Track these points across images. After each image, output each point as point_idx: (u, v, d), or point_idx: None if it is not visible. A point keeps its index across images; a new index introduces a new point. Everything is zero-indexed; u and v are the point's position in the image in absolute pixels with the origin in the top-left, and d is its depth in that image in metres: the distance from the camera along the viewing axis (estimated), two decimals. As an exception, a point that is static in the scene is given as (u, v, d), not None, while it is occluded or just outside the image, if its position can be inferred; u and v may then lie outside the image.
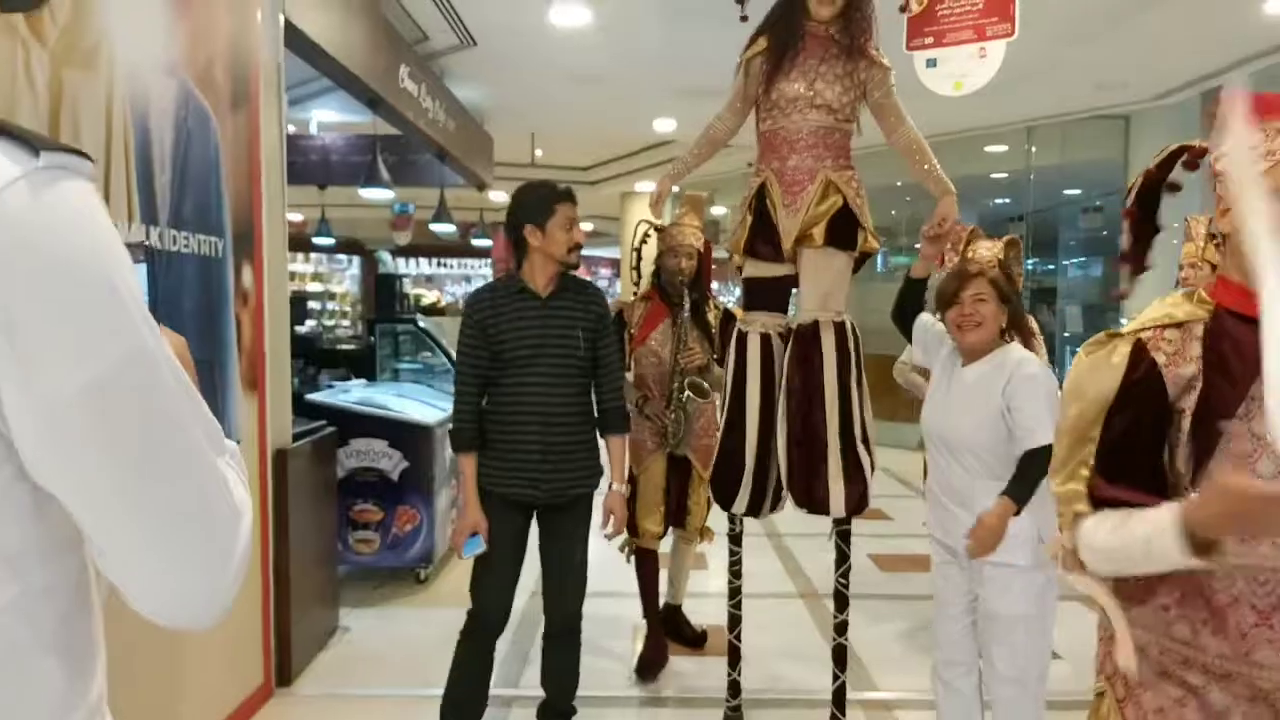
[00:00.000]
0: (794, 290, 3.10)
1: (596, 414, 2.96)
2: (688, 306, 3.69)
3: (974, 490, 2.54)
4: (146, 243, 2.59)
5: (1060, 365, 11.53)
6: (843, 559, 3.04)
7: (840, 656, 3.07)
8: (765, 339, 2.99)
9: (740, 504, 3.04)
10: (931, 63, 4.24)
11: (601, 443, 2.96)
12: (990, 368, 2.58)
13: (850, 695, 3.27)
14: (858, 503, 2.91)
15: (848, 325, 2.97)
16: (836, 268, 2.95)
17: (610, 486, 2.97)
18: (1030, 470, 2.39)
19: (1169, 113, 7.91)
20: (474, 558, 2.84)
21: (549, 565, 2.94)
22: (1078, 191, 10.93)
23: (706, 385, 3.70)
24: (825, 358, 2.90)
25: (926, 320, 2.86)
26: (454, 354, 5.83)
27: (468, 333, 2.84)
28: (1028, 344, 3.40)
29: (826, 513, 2.92)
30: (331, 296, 16.68)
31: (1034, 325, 3.62)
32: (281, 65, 3.66)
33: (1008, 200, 13.21)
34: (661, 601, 3.94)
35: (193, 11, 2.90)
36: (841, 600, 3.06)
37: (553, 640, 2.98)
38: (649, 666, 3.76)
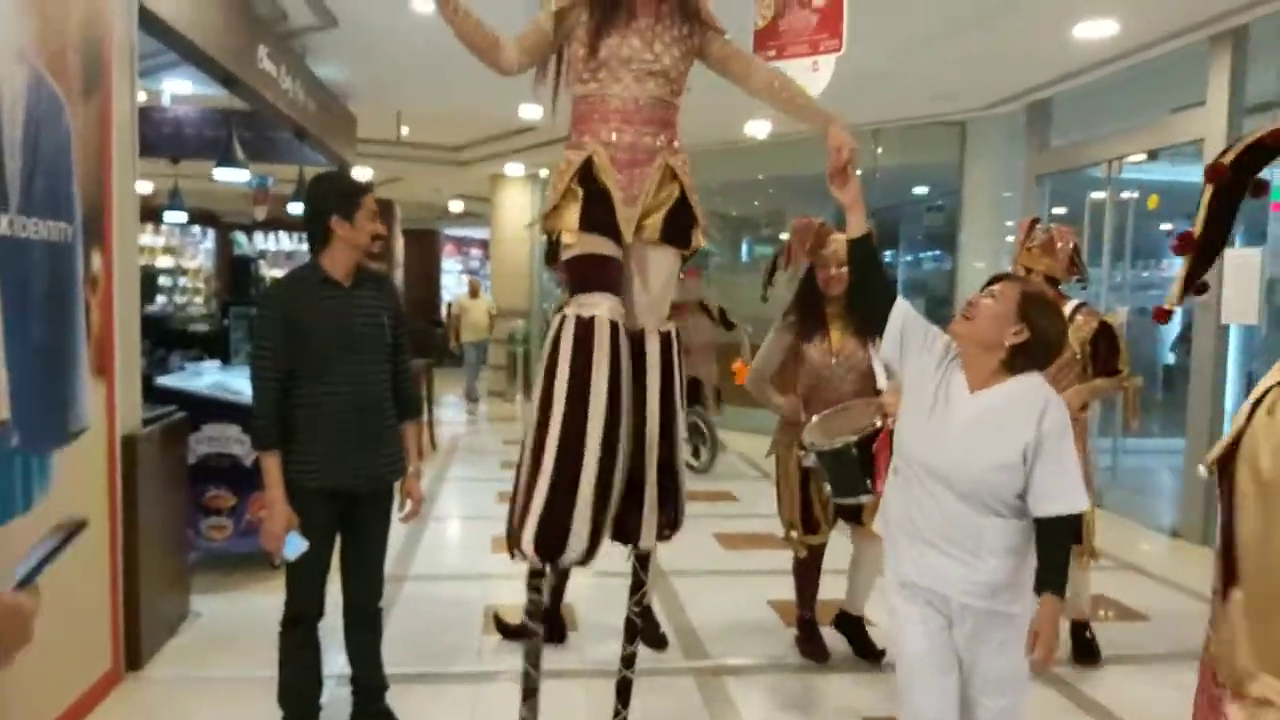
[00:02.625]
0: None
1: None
2: None
3: (982, 532, 2.16)
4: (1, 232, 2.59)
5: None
6: (638, 586, 2.77)
7: (624, 690, 2.85)
8: (614, 329, 2.51)
9: (575, 549, 2.47)
10: (816, 66, 4.52)
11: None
12: (1006, 401, 2.17)
13: (686, 664, 3.53)
14: (669, 529, 2.68)
15: (674, 335, 2.68)
16: (668, 267, 2.66)
17: (408, 470, 3.05)
18: (1061, 550, 2.12)
19: (999, 121, 8.57)
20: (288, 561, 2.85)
21: (354, 560, 3.02)
22: (924, 190, 11.61)
23: None
24: (649, 373, 2.59)
25: (907, 309, 2.37)
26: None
27: (268, 325, 2.81)
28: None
29: (635, 543, 2.63)
30: (184, 272, 15.97)
31: None
32: (135, 48, 3.63)
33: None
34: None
35: (46, 1, 2.88)
36: (631, 630, 2.82)
37: (356, 628, 3.07)
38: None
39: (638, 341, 2.59)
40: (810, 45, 4.31)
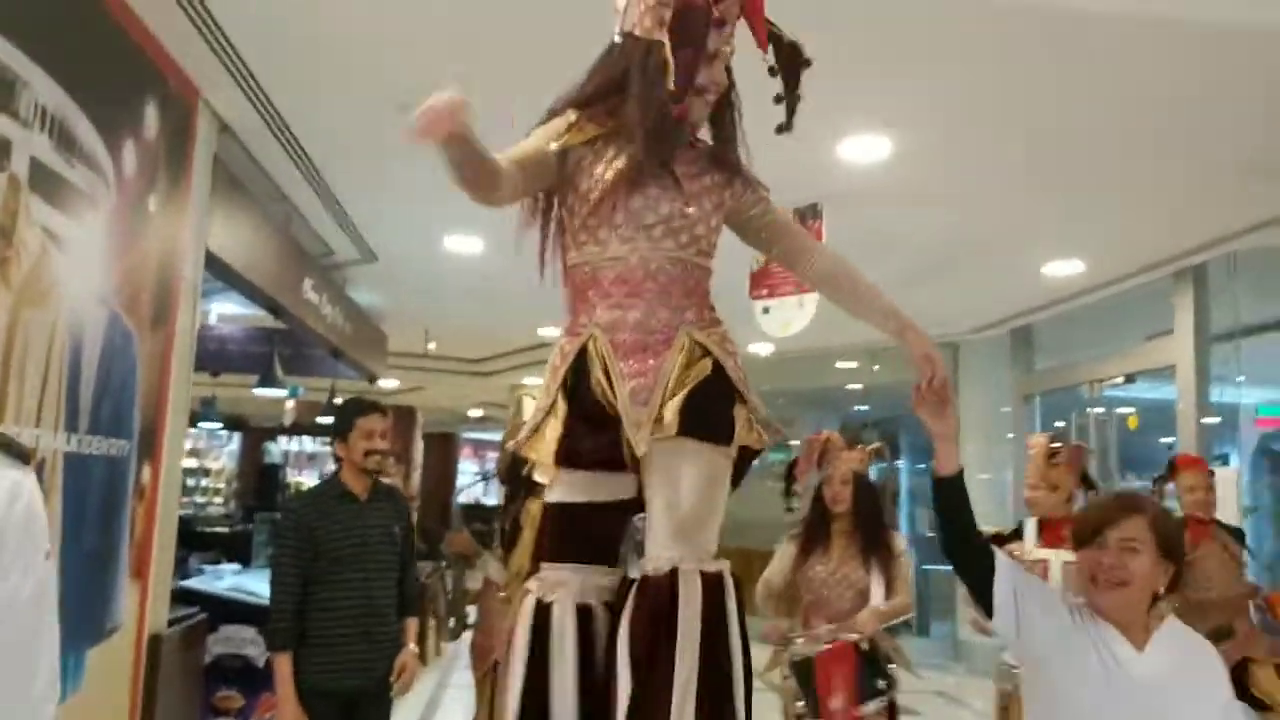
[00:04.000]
0: (638, 523, 1.96)
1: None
2: None
3: None
4: (66, 449, 2.98)
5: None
6: None
7: None
8: (585, 616, 1.86)
9: None
10: (766, 310, 5.04)
11: None
12: (1182, 657, 1.91)
13: None
14: None
15: (726, 577, 1.83)
16: (705, 472, 1.85)
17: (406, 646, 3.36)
18: None
19: (987, 344, 9.10)
20: None
21: None
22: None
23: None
24: (683, 635, 1.72)
25: (1012, 569, 1.97)
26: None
27: (289, 533, 3.19)
28: (888, 569, 3.67)
29: None
30: (206, 473, 16.39)
31: (898, 545, 3.79)
32: (198, 287, 4.16)
33: (866, 407, 14.45)
34: None
35: (130, 251, 3.41)
36: None
37: None
38: None
39: (667, 593, 1.75)
40: (796, 285, 4.84)
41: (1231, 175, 4.66)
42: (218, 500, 15.44)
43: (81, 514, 3.11)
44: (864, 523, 3.76)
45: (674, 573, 1.77)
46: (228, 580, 5.59)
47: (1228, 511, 5.79)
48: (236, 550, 7.36)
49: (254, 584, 5.42)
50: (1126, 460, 8.64)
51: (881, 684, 3.48)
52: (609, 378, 1.87)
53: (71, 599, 3.03)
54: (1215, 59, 3.59)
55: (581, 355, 1.92)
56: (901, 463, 14.00)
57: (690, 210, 1.94)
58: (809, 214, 4.78)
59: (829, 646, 3.47)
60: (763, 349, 10.03)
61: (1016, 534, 3.84)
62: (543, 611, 1.87)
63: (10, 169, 2.57)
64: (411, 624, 3.44)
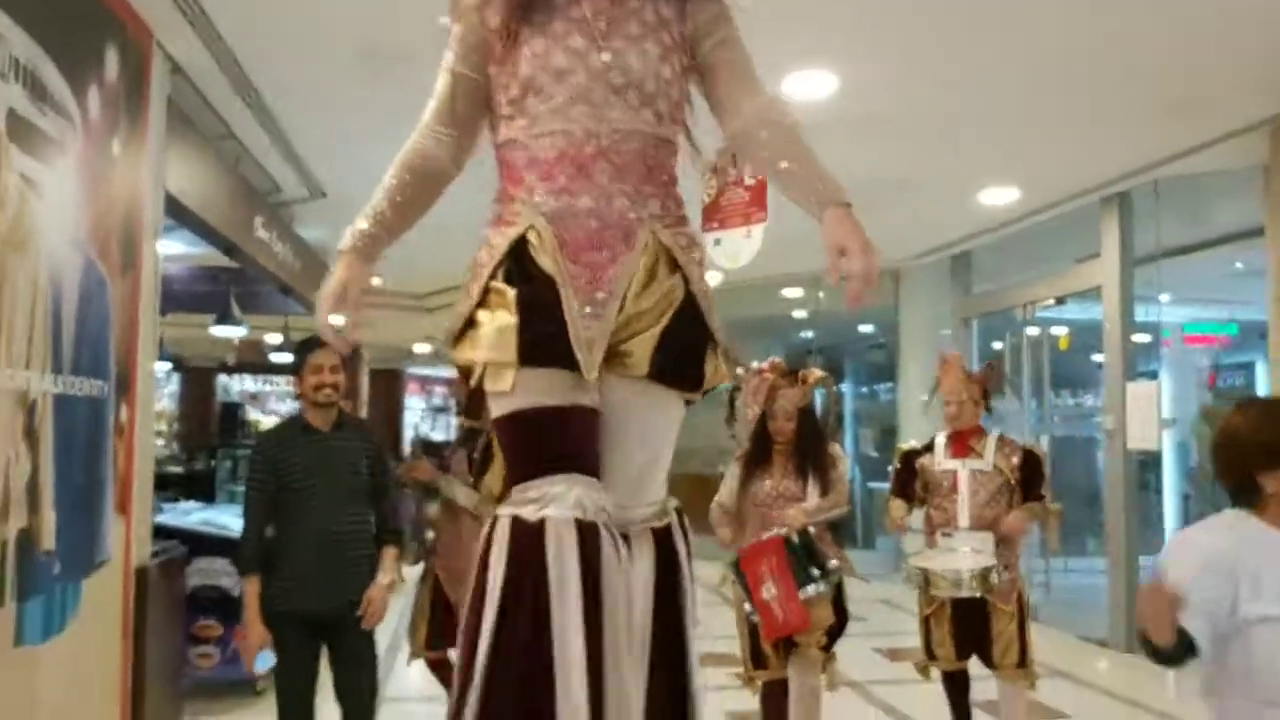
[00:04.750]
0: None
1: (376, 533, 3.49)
2: None
3: None
4: (55, 391, 3.08)
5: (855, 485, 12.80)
6: None
7: None
8: (588, 537, 1.53)
9: None
10: (717, 242, 5.21)
11: None
12: None
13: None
14: None
15: (676, 527, 1.72)
16: (668, 422, 1.72)
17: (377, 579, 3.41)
18: None
19: (928, 270, 9.41)
20: (274, 684, 3.31)
21: (340, 684, 3.42)
22: (871, 328, 12.42)
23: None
24: (635, 595, 1.60)
25: (1199, 623, 1.85)
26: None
27: (257, 466, 3.39)
28: (825, 477, 3.79)
29: None
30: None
31: (836, 452, 3.95)
32: (160, 228, 4.20)
33: (810, 334, 14.80)
34: None
35: (98, 196, 3.46)
36: None
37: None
38: None
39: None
40: (744, 217, 5.01)
41: (1154, 110, 4.97)
42: (159, 443, 15.25)
43: (70, 453, 3.22)
44: (805, 447, 3.87)
45: (626, 530, 1.61)
46: (196, 515, 5.71)
47: (1149, 425, 6.22)
48: (191, 489, 7.45)
49: (223, 518, 5.56)
50: (1059, 378, 9.11)
51: (816, 572, 3.55)
52: (561, 279, 1.58)
53: (65, 533, 3.18)
54: (1139, 4, 3.88)
55: (520, 244, 1.62)
56: (846, 387, 14.44)
57: (605, 57, 1.59)
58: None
59: (751, 542, 3.66)
60: (711, 279, 10.24)
61: (927, 447, 4.11)
62: (528, 533, 1.50)
63: (-12, 119, 2.62)
64: (390, 553, 3.52)
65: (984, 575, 3.71)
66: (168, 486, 7.57)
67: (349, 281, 1.71)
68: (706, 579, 7.68)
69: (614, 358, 1.60)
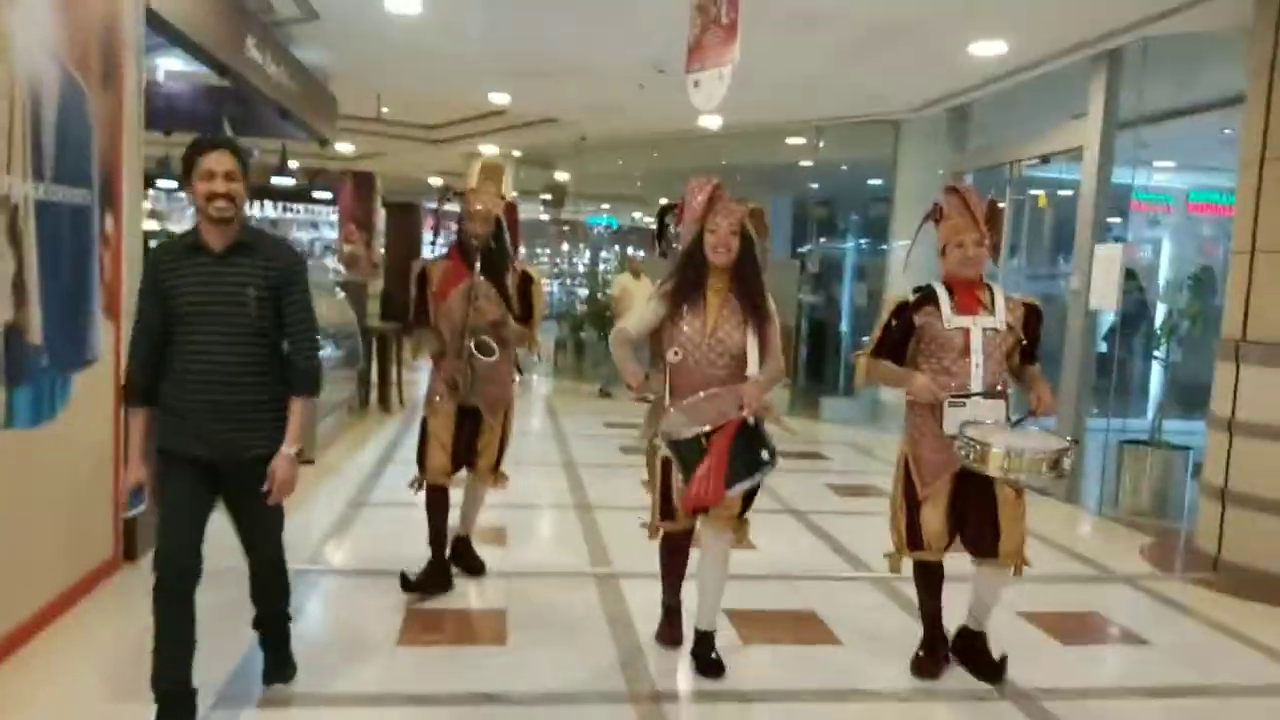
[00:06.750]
0: None
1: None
2: (478, 268, 3.88)
3: None
4: (37, 196, 3.34)
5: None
6: None
7: None
8: None
9: None
10: (696, 84, 5.30)
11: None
12: None
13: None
14: None
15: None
16: None
17: (283, 448, 2.86)
18: None
19: (926, 123, 9.39)
20: (160, 516, 2.84)
21: (240, 534, 3.01)
22: (880, 182, 12.44)
23: (493, 343, 3.91)
24: None
25: None
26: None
27: (144, 288, 2.84)
28: (764, 331, 3.31)
29: None
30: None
31: (772, 306, 3.37)
32: (143, 43, 4.35)
33: (816, 185, 14.77)
34: (452, 535, 4.25)
35: (74, 9, 3.62)
36: None
37: (255, 576, 3.10)
38: (423, 585, 4.08)
39: None
40: (718, 56, 5.09)
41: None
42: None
43: (56, 255, 3.51)
44: (745, 281, 3.37)
45: None
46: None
47: (1111, 287, 6.39)
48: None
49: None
50: (1046, 244, 9.21)
51: (765, 455, 3.11)
52: None
53: (53, 329, 3.51)
54: None
55: None
56: (849, 242, 14.54)
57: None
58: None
59: (716, 427, 3.07)
60: (712, 122, 10.23)
61: (924, 299, 3.44)
62: None
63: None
64: (295, 406, 2.89)
65: (1058, 458, 3.11)
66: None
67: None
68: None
69: None
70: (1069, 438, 3.36)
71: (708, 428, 3.05)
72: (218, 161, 2.73)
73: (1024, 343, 3.45)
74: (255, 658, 3.29)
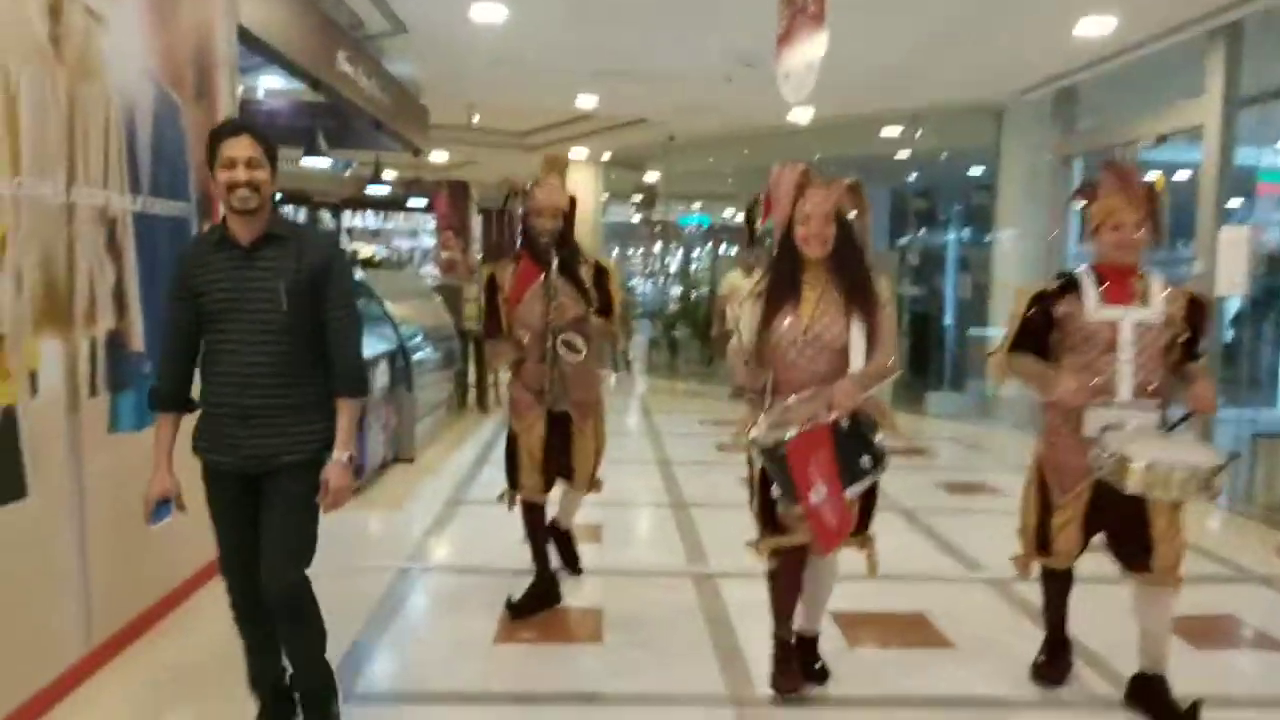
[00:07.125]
0: None
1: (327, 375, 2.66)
2: (555, 264, 3.65)
3: None
4: (134, 209, 3.43)
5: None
6: None
7: None
8: None
9: None
10: (786, 76, 5.16)
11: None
12: None
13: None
14: None
15: None
16: None
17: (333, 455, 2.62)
18: None
19: (1031, 106, 8.98)
20: (215, 534, 2.70)
21: (261, 533, 2.64)
22: (981, 171, 12.04)
23: (580, 340, 3.69)
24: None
25: None
26: (387, 304, 6.68)
27: (173, 286, 2.63)
28: (872, 319, 2.96)
29: None
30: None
31: (884, 290, 3.06)
32: (235, 60, 4.45)
33: (914, 176, 14.38)
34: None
35: (167, 29, 3.71)
36: None
37: (273, 614, 2.66)
38: (528, 608, 3.86)
39: None
40: (806, 48, 4.95)
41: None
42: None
43: (155, 267, 3.60)
44: (846, 269, 3.03)
45: None
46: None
47: (1239, 272, 5.98)
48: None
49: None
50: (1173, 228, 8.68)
51: (866, 462, 2.88)
52: None
53: (151, 337, 3.59)
54: None
55: None
56: (950, 233, 14.06)
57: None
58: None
59: (801, 432, 2.83)
60: (803, 115, 10.02)
61: (1064, 288, 3.07)
62: None
63: (51, -48, 2.85)
64: (343, 409, 2.64)
65: (1210, 477, 2.72)
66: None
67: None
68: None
69: None
70: (1229, 450, 2.95)
71: (793, 431, 2.81)
72: (238, 147, 2.50)
73: (1187, 337, 2.99)
74: (355, 652, 3.34)
